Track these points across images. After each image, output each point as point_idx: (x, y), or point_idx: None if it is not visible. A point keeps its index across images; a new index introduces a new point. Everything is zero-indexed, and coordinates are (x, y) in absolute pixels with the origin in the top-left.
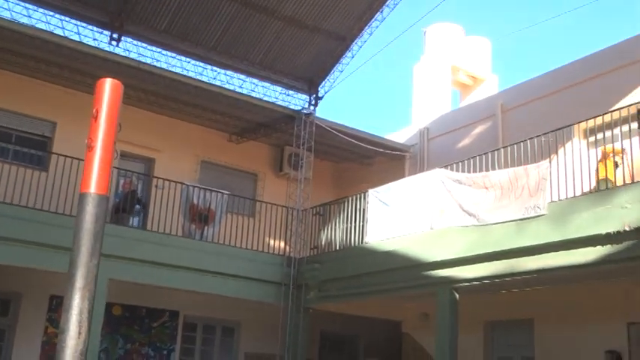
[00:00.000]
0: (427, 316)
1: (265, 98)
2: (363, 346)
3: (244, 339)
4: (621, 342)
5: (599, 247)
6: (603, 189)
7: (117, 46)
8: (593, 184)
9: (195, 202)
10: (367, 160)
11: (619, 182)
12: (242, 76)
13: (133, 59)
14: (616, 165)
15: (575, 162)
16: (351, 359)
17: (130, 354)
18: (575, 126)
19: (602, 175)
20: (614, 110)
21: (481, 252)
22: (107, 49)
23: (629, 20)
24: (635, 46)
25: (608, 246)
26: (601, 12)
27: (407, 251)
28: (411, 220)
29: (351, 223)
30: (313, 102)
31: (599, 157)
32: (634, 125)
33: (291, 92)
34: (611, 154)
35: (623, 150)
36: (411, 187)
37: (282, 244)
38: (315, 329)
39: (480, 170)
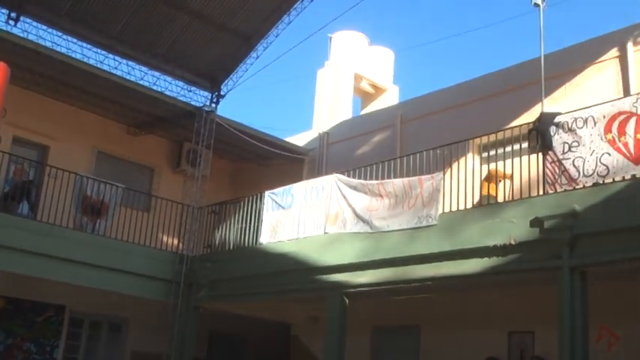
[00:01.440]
0: (316, 319)
1: (167, 92)
2: (251, 347)
3: (132, 337)
4: (502, 350)
5: (485, 259)
6: (486, 204)
7: (15, 26)
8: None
9: (88, 193)
10: (266, 162)
11: (500, 198)
12: (144, 68)
13: (31, 41)
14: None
15: (468, 176)
16: None
17: (11, 349)
18: (470, 141)
19: (485, 192)
20: (507, 129)
21: (373, 258)
22: (4, 28)
23: (529, 42)
24: (532, 68)
25: (495, 258)
26: (503, 33)
27: (300, 254)
28: (305, 223)
29: (245, 224)
30: (215, 99)
31: (485, 176)
32: (525, 144)
33: (193, 88)
34: (497, 178)
35: (510, 176)
36: (307, 191)
37: (176, 241)
38: (204, 329)
39: (377, 178)
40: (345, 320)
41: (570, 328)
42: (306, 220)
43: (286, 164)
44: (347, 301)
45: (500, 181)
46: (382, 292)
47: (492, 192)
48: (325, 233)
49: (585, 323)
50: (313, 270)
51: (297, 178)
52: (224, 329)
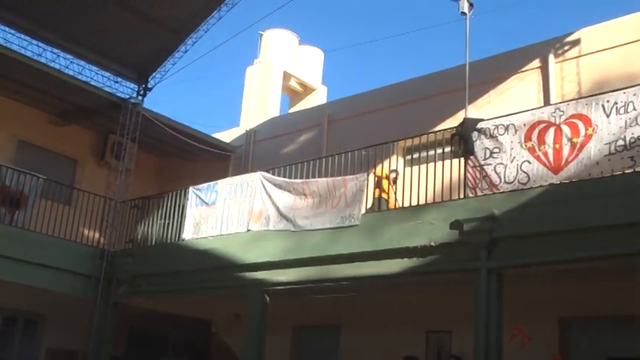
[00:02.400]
0: (237, 317)
1: (92, 82)
2: (171, 344)
3: (48, 333)
4: (420, 349)
5: (406, 260)
6: (381, 209)
7: None
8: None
9: (7, 183)
10: (192, 157)
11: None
12: (69, 56)
13: None
14: (393, 181)
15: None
16: (159, 357)
17: None
18: (395, 143)
19: (377, 195)
20: (431, 132)
21: (295, 257)
22: None
23: (458, 48)
24: (458, 74)
25: (415, 259)
26: (432, 38)
27: (222, 251)
28: (229, 220)
29: (169, 219)
30: (142, 92)
31: (376, 181)
32: (448, 148)
33: (119, 79)
34: (385, 179)
35: (396, 174)
36: (231, 188)
37: (97, 236)
38: (123, 326)
39: (302, 177)
40: (265, 318)
41: (486, 327)
42: (229, 217)
43: (213, 160)
44: (268, 299)
45: (386, 187)
46: (304, 291)
47: (384, 196)
48: (248, 231)
49: (500, 323)
50: (235, 267)
51: (223, 174)
52: (144, 326)
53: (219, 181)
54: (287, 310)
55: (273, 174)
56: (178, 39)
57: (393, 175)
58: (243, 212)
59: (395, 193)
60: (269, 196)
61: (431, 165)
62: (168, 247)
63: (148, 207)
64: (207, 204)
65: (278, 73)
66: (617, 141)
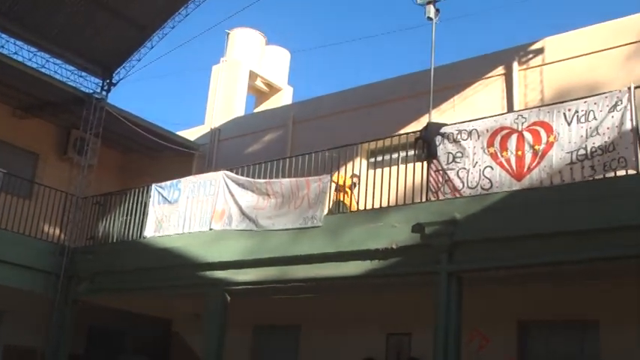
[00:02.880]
0: (197, 316)
1: (56, 76)
2: (132, 342)
3: (6, 330)
4: (380, 351)
5: (367, 262)
6: (341, 212)
7: None
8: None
9: None
10: (155, 154)
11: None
12: (33, 49)
13: None
14: (353, 186)
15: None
16: (119, 355)
17: None
18: (360, 146)
19: (338, 197)
20: (395, 136)
21: (257, 257)
22: None
23: (427, 52)
24: (423, 78)
25: (376, 261)
26: (401, 41)
27: (184, 250)
28: (191, 218)
29: (130, 216)
30: (106, 87)
31: (335, 187)
32: (412, 152)
33: (84, 74)
34: (344, 185)
35: (358, 179)
36: (194, 186)
37: (57, 232)
38: (83, 323)
39: (266, 177)
40: (225, 317)
41: (445, 330)
42: (192, 216)
43: (176, 158)
44: (228, 298)
45: (346, 191)
46: (264, 291)
47: (346, 201)
48: (210, 229)
49: (459, 326)
50: (196, 266)
51: (186, 172)
52: (104, 324)
53: (182, 179)
54: (247, 309)
55: (237, 173)
56: (144, 34)
57: (355, 180)
58: (205, 211)
59: (357, 199)
60: (232, 195)
61: (394, 168)
62: (129, 245)
63: (109, 203)
64: (169, 202)
65: (244, 72)
66: (578, 150)
